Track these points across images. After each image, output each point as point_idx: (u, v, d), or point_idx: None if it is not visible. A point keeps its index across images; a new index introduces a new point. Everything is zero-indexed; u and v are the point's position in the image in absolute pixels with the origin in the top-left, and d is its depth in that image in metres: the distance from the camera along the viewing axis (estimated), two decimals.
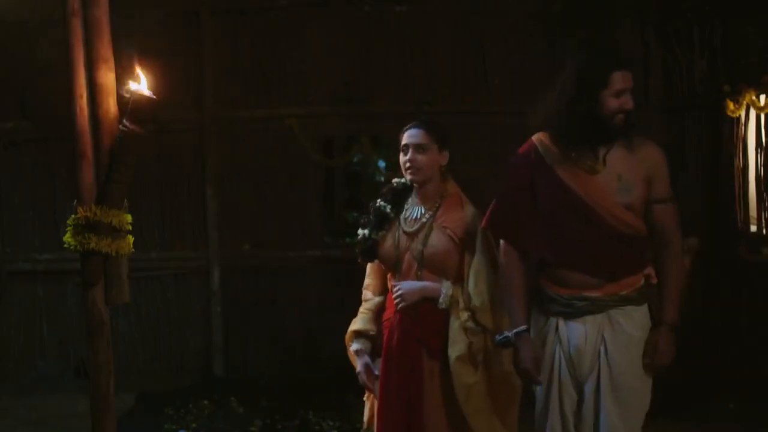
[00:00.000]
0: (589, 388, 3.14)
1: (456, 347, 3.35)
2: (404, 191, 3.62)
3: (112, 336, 2.91)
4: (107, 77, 2.80)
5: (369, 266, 3.73)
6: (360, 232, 3.62)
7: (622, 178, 3.09)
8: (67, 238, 2.78)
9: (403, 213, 3.57)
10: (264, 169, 6.91)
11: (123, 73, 2.78)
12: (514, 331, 3.18)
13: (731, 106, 5.63)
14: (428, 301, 3.43)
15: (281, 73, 6.91)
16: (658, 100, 6.62)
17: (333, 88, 6.91)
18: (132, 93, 2.72)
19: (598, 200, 3.08)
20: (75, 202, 2.79)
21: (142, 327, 6.94)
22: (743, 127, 5.62)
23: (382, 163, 9.06)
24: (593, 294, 3.13)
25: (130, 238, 2.87)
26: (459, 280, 3.43)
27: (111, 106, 2.81)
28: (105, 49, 2.81)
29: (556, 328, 3.20)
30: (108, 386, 2.88)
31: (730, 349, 5.82)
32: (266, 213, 6.92)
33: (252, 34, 6.90)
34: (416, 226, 3.50)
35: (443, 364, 3.39)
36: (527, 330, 3.19)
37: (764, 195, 5.40)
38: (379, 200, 3.64)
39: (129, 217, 2.85)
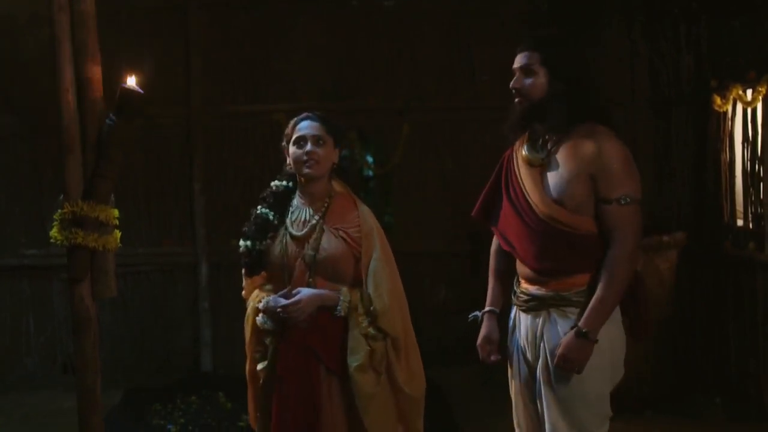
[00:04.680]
0: (537, 382, 3.16)
1: (356, 356, 3.17)
2: (286, 193, 3.40)
3: (98, 332, 2.91)
4: (94, 72, 2.80)
5: (246, 280, 3.48)
6: (242, 243, 3.37)
7: (559, 172, 3.03)
8: (54, 233, 2.78)
9: (289, 216, 3.34)
10: (251, 164, 6.89)
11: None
12: (482, 311, 3.35)
13: (718, 101, 5.65)
14: (323, 309, 3.21)
15: (268, 68, 6.90)
16: (644, 97, 6.65)
17: (320, 84, 6.91)
18: (119, 87, 2.72)
19: (531, 193, 3.08)
20: (61, 197, 2.78)
21: (130, 323, 6.92)
22: (730, 122, 5.64)
23: (370, 159, 9.05)
24: (538, 291, 3.12)
25: (117, 233, 2.87)
26: (355, 284, 3.25)
27: (97, 100, 2.81)
28: (92, 44, 2.81)
29: (516, 318, 3.26)
30: (95, 382, 2.88)
31: (715, 344, 5.85)
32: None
33: (239, 29, 6.88)
34: (305, 230, 3.27)
35: (341, 378, 3.22)
36: (493, 311, 3.33)
37: (751, 190, 5.41)
38: (259, 206, 3.39)
39: (116, 212, 2.85)
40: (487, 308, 3.35)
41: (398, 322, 3.24)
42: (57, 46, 2.77)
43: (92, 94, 2.79)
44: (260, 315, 3.33)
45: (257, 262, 3.36)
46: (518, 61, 3.14)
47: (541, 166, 3.10)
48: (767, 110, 5.19)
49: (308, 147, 3.25)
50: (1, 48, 6.58)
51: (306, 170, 3.26)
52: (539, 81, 3.08)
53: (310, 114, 3.34)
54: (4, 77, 6.59)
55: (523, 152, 3.17)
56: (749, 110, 5.39)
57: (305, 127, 3.29)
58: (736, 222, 5.67)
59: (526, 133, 3.19)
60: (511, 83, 3.15)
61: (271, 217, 3.34)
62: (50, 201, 6.56)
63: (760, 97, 5.19)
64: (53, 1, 2.77)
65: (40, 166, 6.75)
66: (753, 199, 5.41)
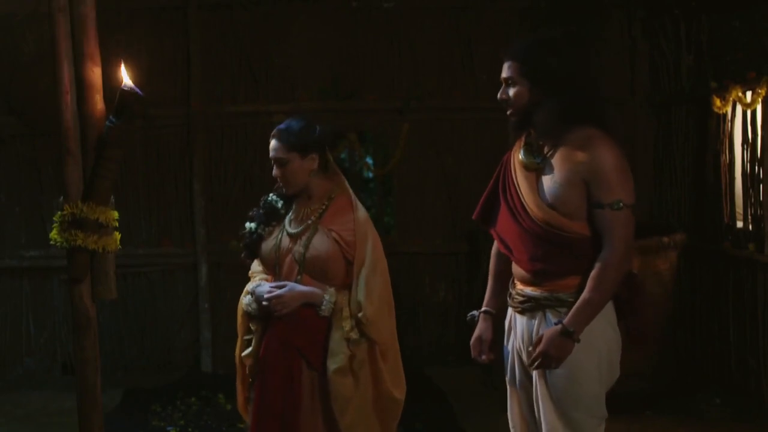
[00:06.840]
0: (534, 384, 3.16)
1: (335, 359, 3.19)
2: None
3: (98, 332, 2.91)
4: (93, 73, 2.79)
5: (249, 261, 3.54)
6: (247, 225, 3.42)
7: (554, 177, 3.02)
8: (54, 234, 2.78)
9: (290, 213, 3.39)
10: (251, 164, 6.90)
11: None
12: (479, 310, 3.38)
13: (717, 102, 5.65)
14: (309, 307, 3.23)
15: (268, 68, 6.90)
16: (644, 96, 6.65)
17: (320, 83, 6.91)
18: (119, 89, 2.71)
19: (527, 196, 3.07)
20: (61, 199, 2.78)
21: (129, 323, 6.92)
22: (730, 123, 5.65)
23: (369, 159, 9.07)
24: (533, 292, 3.11)
25: (117, 235, 2.87)
26: (343, 286, 3.26)
27: (97, 101, 2.81)
28: (91, 45, 2.80)
29: (511, 321, 3.26)
30: (95, 382, 2.88)
31: (716, 344, 5.85)
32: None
33: (239, 29, 6.88)
34: (300, 228, 3.31)
35: (322, 375, 3.23)
36: (488, 312, 3.35)
37: (750, 191, 5.42)
38: (271, 194, 3.45)
39: (116, 214, 2.85)
40: (482, 309, 3.38)
41: (386, 329, 3.27)
42: (56, 46, 2.77)
43: (92, 96, 2.78)
44: (247, 296, 3.41)
45: (254, 246, 3.42)
46: (503, 71, 3.10)
47: (536, 171, 3.09)
48: (767, 112, 5.19)
49: (274, 171, 3.33)
50: (1, 48, 6.58)
51: (283, 190, 3.39)
52: (521, 91, 3.04)
53: (276, 131, 3.34)
54: (4, 77, 6.59)
55: (520, 156, 3.16)
56: (749, 112, 5.39)
57: (270, 149, 3.33)
58: (735, 223, 5.67)
59: (523, 137, 3.18)
60: (498, 95, 3.12)
61: (279, 205, 3.41)
62: (50, 201, 6.57)
63: (760, 99, 5.19)
64: (52, 2, 2.76)
65: (40, 166, 6.76)
66: (753, 200, 5.41)
